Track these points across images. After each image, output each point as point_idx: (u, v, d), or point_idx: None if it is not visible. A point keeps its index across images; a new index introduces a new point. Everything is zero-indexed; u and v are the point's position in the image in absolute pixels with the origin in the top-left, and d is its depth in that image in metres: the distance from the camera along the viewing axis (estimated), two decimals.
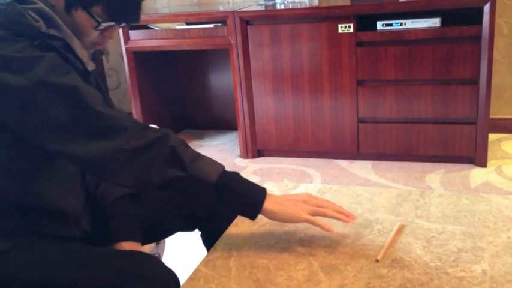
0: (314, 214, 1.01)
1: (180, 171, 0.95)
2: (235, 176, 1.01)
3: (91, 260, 0.97)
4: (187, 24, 2.81)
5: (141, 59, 3.01)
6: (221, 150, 3.07)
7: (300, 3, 2.73)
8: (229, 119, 3.35)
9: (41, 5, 0.94)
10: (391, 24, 2.45)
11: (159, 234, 1.31)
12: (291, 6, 2.67)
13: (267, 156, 2.93)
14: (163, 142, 0.95)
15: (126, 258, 0.99)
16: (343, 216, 1.03)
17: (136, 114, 3.02)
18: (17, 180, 0.98)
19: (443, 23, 2.40)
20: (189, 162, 0.96)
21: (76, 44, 0.98)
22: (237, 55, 2.72)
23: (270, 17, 2.66)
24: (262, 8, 2.77)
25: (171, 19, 2.84)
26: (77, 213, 1.07)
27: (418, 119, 2.55)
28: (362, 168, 2.64)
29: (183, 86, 3.47)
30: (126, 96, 3.51)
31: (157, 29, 2.83)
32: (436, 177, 2.48)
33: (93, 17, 0.96)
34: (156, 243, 1.45)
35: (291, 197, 1.06)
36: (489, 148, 2.52)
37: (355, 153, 2.72)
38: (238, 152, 2.97)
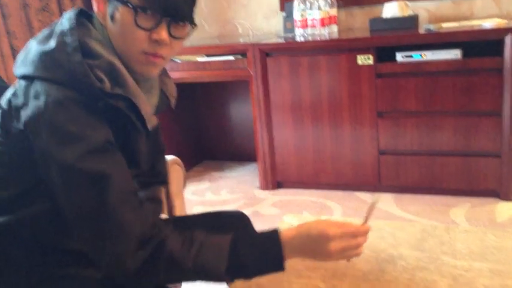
0: (345, 250, 0.94)
1: (186, 276, 0.94)
2: (245, 246, 0.94)
3: None
4: (208, 56, 2.85)
5: None
6: (241, 182, 3.06)
7: (320, 35, 2.75)
8: (248, 150, 3.35)
9: (107, 59, 0.94)
10: (410, 56, 2.44)
11: None
12: (310, 39, 2.69)
13: (286, 188, 2.90)
14: (158, 256, 0.91)
15: None
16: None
17: None
18: (59, 225, 0.98)
19: (464, 55, 2.39)
20: (192, 264, 0.92)
21: (141, 100, 0.98)
22: (256, 87, 2.74)
23: (290, 49, 2.68)
24: (282, 40, 2.80)
25: (192, 51, 2.88)
26: None
27: (441, 152, 2.51)
28: (383, 201, 2.60)
29: (203, 117, 3.50)
30: None
31: (179, 61, 2.87)
32: (461, 211, 2.41)
33: (130, 5, 0.92)
34: None
35: (313, 240, 0.93)
36: None
37: (377, 185, 2.68)
38: (257, 183, 2.96)
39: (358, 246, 0.94)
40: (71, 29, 0.94)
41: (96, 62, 0.92)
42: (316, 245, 0.93)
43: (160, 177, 1.23)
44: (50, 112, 0.88)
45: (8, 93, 0.97)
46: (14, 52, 2.67)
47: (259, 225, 1.08)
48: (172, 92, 1.16)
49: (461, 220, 2.32)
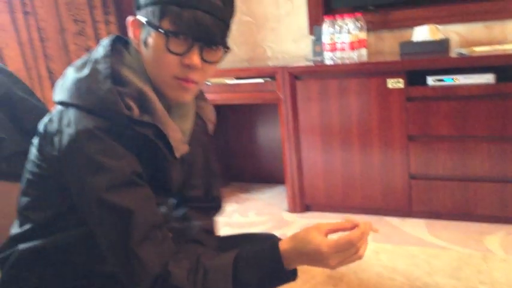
0: (344, 260, 0.94)
1: None
2: (247, 265, 0.95)
3: None
4: (237, 79, 2.88)
5: None
6: (269, 204, 3.05)
7: (349, 58, 2.75)
8: (276, 173, 3.34)
9: (137, 86, 0.95)
10: (442, 80, 2.41)
11: None
12: (339, 62, 2.69)
13: (315, 211, 2.88)
14: None
15: None
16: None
17: None
18: (93, 249, 0.99)
19: (497, 79, 2.35)
20: None
21: (169, 128, 0.98)
22: (285, 109, 2.75)
23: (319, 72, 2.69)
24: (311, 63, 2.81)
25: (222, 74, 2.92)
26: None
27: (474, 177, 2.45)
28: (415, 227, 2.54)
29: (231, 139, 3.52)
30: None
31: (209, 83, 2.91)
32: (496, 239, 2.33)
33: (161, 30, 0.93)
34: None
35: (310, 255, 0.94)
36: None
37: (407, 210, 2.63)
38: (286, 206, 2.94)
39: (358, 250, 0.93)
40: (105, 56, 0.96)
41: (126, 90, 0.94)
42: (314, 259, 0.94)
43: (215, 202, 1.23)
44: (79, 141, 0.90)
45: (46, 119, 1.00)
46: (51, 75, 2.76)
47: None
48: (210, 116, 1.16)
49: (496, 248, 2.24)
